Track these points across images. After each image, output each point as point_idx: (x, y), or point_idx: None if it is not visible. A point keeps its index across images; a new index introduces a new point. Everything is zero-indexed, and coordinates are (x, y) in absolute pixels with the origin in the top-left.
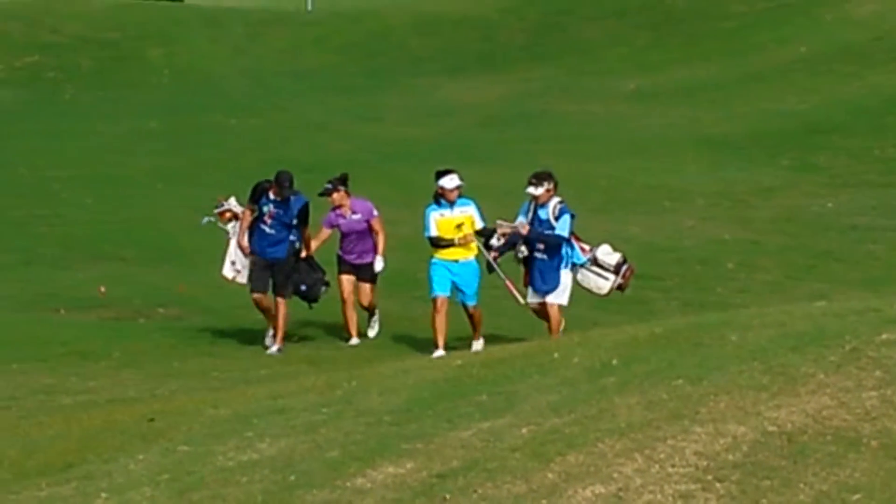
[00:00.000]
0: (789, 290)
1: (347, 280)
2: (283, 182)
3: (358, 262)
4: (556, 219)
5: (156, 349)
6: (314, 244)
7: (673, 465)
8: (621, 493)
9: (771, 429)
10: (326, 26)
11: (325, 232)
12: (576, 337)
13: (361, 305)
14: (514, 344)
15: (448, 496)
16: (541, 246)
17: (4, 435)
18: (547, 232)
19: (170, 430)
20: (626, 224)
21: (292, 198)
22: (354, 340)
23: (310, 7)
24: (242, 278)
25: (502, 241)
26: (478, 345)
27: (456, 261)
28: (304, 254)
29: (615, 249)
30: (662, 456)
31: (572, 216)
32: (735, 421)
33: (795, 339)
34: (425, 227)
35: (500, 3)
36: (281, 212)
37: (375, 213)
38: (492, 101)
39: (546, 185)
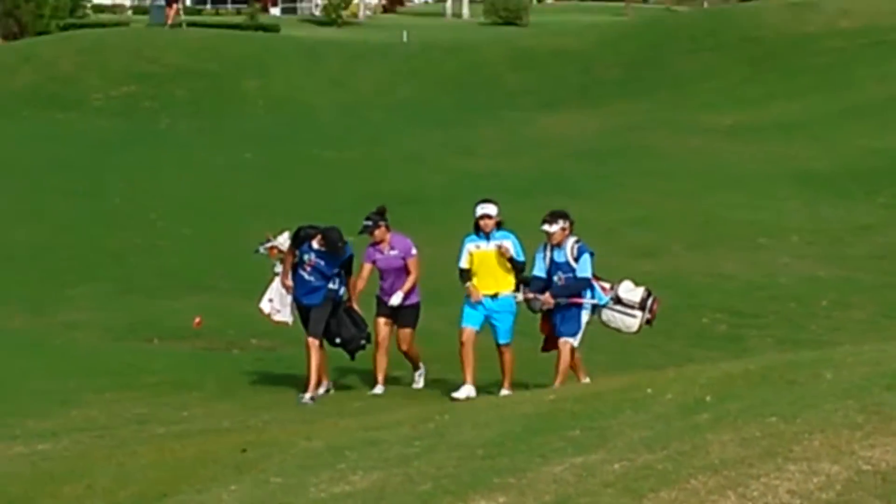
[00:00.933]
0: (884, 329)
1: (384, 323)
2: (333, 242)
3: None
4: (576, 259)
5: (249, 380)
6: (359, 284)
7: None
8: None
9: (865, 468)
10: (422, 59)
11: (366, 268)
12: (670, 373)
13: (400, 350)
14: (607, 378)
15: None
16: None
17: (98, 464)
18: (570, 284)
19: (262, 461)
20: (722, 260)
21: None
22: (379, 389)
23: (405, 39)
24: (279, 316)
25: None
26: (506, 392)
27: (494, 295)
28: (349, 303)
29: (637, 284)
30: (755, 494)
31: (591, 254)
32: (829, 460)
33: (891, 378)
34: (458, 258)
35: (596, 37)
36: (322, 262)
37: (413, 251)
38: (587, 135)
39: (561, 224)
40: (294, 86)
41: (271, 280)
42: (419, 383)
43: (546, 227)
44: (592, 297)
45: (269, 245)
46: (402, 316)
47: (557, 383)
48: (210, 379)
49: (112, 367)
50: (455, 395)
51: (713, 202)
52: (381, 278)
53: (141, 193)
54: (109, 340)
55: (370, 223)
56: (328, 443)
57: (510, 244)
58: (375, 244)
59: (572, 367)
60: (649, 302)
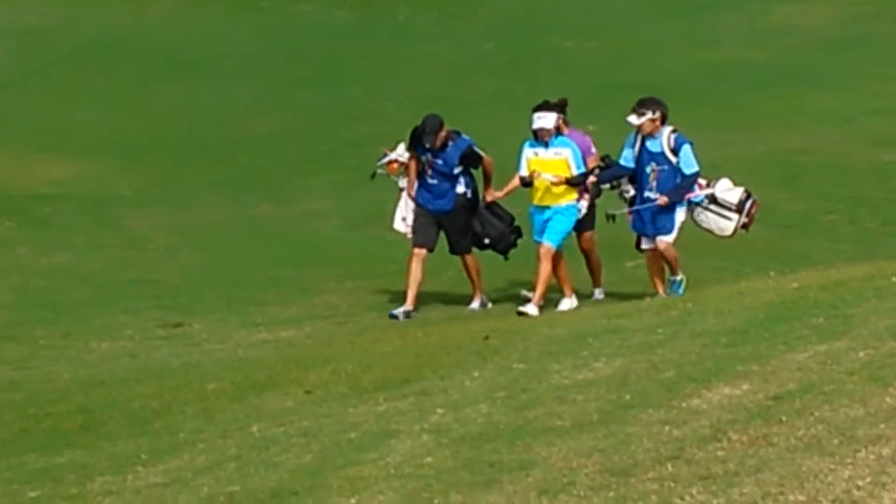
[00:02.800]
0: None
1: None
2: (424, 131)
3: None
4: (674, 151)
5: (489, 268)
6: (505, 189)
7: None
8: None
9: None
10: None
11: (514, 181)
12: None
13: (581, 250)
14: (852, 267)
15: (784, 418)
16: (653, 184)
17: (342, 350)
18: (682, 183)
19: (505, 349)
20: None
21: (450, 144)
22: (569, 301)
23: None
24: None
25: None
26: (531, 308)
27: (548, 206)
28: (488, 199)
29: (736, 184)
30: None
31: (691, 144)
32: None
33: None
34: (517, 165)
35: None
36: (440, 162)
37: (593, 150)
38: (826, 24)
39: (650, 115)
40: None
41: (398, 198)
42: (599, 294)
43: (632, 118)
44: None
45: (386, 160)
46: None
47: (661, 289)
48: (450, 268)
49: (351, 255)
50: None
51: None
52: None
53: (378, 85)
54: (347, 230)
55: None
56: (571, 330)
57: (569, 154)
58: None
59: (559, 276)
60: (748, 205)
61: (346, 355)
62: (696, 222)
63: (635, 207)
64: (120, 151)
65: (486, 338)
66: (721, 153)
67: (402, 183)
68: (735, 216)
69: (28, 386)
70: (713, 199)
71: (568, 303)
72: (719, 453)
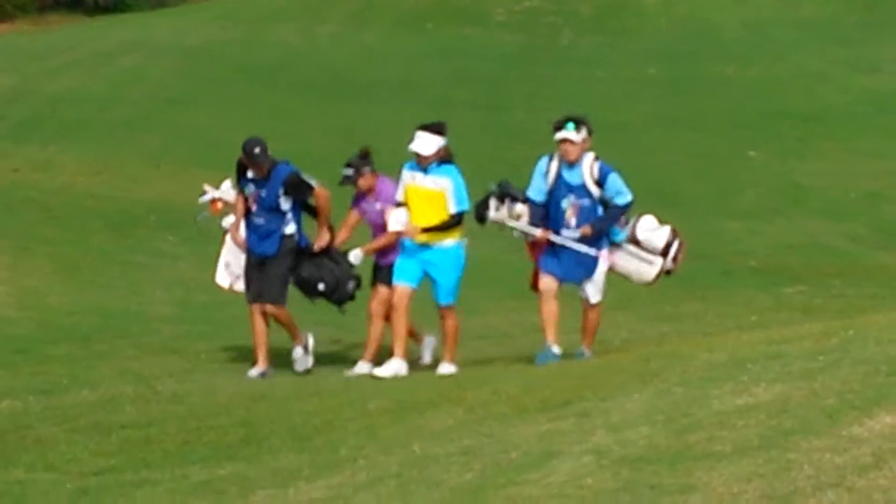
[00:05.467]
0: None
1: (381, 291)
2: (248, 150)
3: (381, 261)
4: (599, 183)
5: (648, 292)
6: (342, 234)
7: None
8: None
9: None
10: None
11: (352, 216)
12: None
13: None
14: None
15: None
16: (571, 221)
17: (502, 371)
18: (612, 212)
19: (665, 372)
20: None
21: (272, 171)
22: (361, 366)
23: None
24: (240, 284)
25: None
26: (447, 368)
27: (426, 245)
28: (319, 245)
29: (661, 221)
30: None
31: (619, 172)
32: None
33: None
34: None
35: None
36: (263, 193)
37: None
38: None
39: (584, 133)
40: (697, 2)
41: (222, 241)
42: (427, 355)
43: (570, 134)
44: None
45: (208, 198)
46: (384, 276)
47: (586, 346)
48: (610, 289)
49: (512, 276)
50: (378, 371)
51: None
52: (372, 236)
53: (542, 108)
54: (508, 250)
55: (350, 172)
56: (730, 355)
57: (448, 184)
58: (362, 195)
59: (409, 330)
60: (674, 247)
61: (506, 376)
62: (610, 266)
63: (558, 238)
64: None
65: (647, 360)
66: (883, 182)
67: (227, 221)
68: (658, 260)
69: (190, 399)
70: (634, 239)
71: (396, 366)
72: (881, 482)
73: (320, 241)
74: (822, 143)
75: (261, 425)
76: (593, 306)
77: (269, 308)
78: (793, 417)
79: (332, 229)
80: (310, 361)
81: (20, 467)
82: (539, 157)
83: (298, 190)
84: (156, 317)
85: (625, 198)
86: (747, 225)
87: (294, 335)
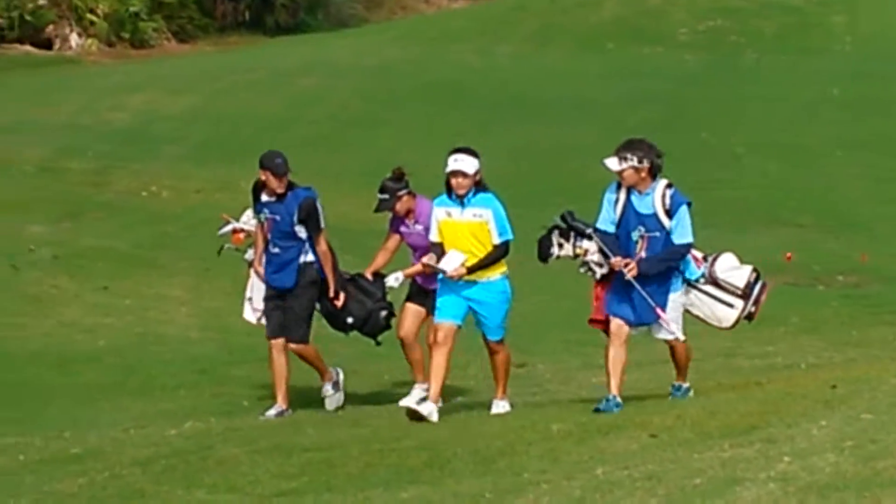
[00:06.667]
0: None
1: (412, 311)
2: (267, 158)
3: (428, 285)
4: (669, 213)
5: (835, 317)
6: (381, 257)
7: None
8: None
9: None
10: None
11: (393, 239)
12: None
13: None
14: None
15: None
16: (642, 255)
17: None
18: (666, 253)
19: (852, 398)
20: None
21: (289, 193)
22: (417, 391)
23: None
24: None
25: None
26: (502, 406)
27: (472, 281)
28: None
29: (742, 261)
30: None
31: (689, 205)
32: None
33: None
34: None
35: None
36: (278, 217)
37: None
38: None
39: (633, 161)
40: (884, 21)
41: (247, 275)
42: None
43: (612, 162)
44: (683, 269)
45: (228, 229)
46: (432, 301)
47: (682, 381)
48: (794, 314)
49: None
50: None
51: None
52: (413, 255)
53: (726, 128)
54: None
55: (387, 196)
56: None
57: (489, 214)
58: (400, 218)
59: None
60: (756, 288)
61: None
62: (685, 306)
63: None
64: None
65: (834, 386)
66: None
67: (250, 254)
68: (739, 303)
69: (372, 421)
70: (713, 279)
71: (430, 408)
72: None
73: (330, 292)
74: None
75: (443, 448)
76: (678, 340)
77: (293, 347)
78: None
79: (333, 254)
80: (341, 398)
81: (202, 488)
82: (721, 177)
83: (311, 218)
84: (335, 337)
85: (684, 238)
86: None
87: (322, 372)
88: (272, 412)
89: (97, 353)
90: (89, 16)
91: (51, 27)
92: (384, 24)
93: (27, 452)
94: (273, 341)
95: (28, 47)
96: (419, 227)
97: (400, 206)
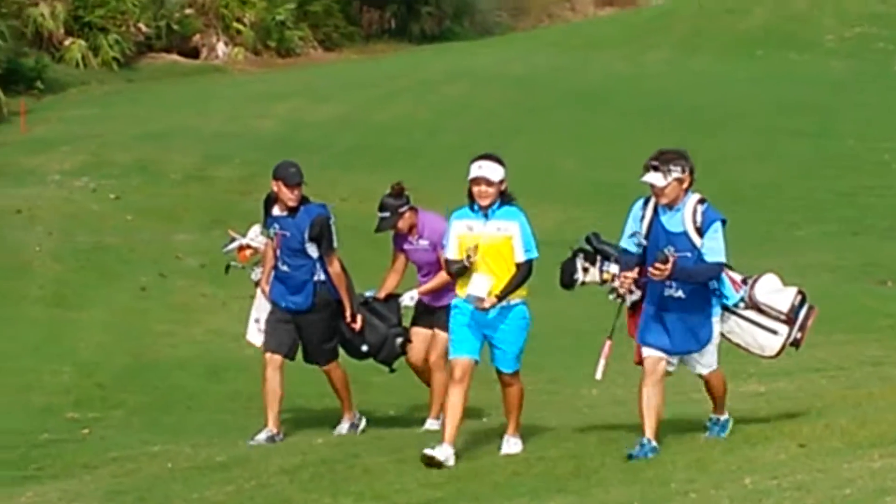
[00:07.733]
0: None
1: (420, 336)
2: (281, 167)
3: (435, 303)
4: (700, 231)
5: None
6: (392, 279)
7: None
8: None
9: None
10: None
11: (400, 261)
12: None
13: (427, 360)
14: None
15: None
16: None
17: (835, 405)
18: (699, 268)
19: None
20: None
21: (301, 208)
22: (430, 422)
23: None
24: None
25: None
26: (514, 445)
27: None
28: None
29: (786, 283)
30: None
31: (724, 222)
32: None
33: None
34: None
35: None
36: (288, 233)
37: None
38: None
39: (677, 173)
40: None
41: (254, 295)
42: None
43: (651, 177)
44: (720, 293)
45: (234, 246)
46: (440, 316)
47: (720, 414)
48: None
49: (844, 308)
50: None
51: None
52: (418, 273)
53: (875, 135)
54: (840, 282)
55: (387, 214)
56: None
57: (515, 229)
58: (403, 235)
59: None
60: (802, 312)
61: (839, 410)
62: (723, 334)
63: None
64: (606, 199)
65: None
66: None
67: (256, 274)
68: (784, 328)
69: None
70: (753, 303)
71: (447, 452)
72: None
73: (346, 315)
74: None
75: (590, 458)
76: (712, 372)
77: (323, 368)
78: None
79: (347, 275)
80: (346, 431)
81: (349, 496)
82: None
83: (322, 236)
84: None
85: (716, 256)
86: None
87: (345, 405)
88: (262, 436)
89: (245, 361)
90: (236, 24)
91: (198, 36)
92: (530, 32)
93: (175, 460)
94: (269, 356)
95: (175, 56)
96: (424, 243)
97: (402, 223)
